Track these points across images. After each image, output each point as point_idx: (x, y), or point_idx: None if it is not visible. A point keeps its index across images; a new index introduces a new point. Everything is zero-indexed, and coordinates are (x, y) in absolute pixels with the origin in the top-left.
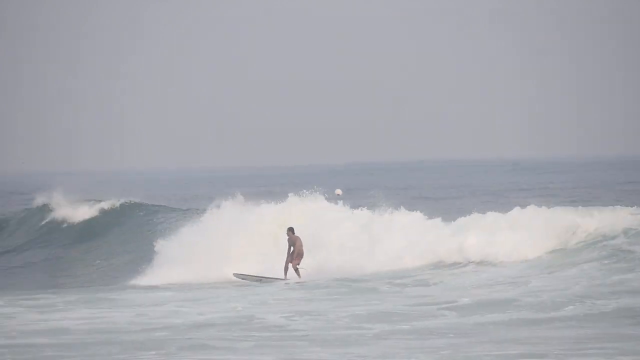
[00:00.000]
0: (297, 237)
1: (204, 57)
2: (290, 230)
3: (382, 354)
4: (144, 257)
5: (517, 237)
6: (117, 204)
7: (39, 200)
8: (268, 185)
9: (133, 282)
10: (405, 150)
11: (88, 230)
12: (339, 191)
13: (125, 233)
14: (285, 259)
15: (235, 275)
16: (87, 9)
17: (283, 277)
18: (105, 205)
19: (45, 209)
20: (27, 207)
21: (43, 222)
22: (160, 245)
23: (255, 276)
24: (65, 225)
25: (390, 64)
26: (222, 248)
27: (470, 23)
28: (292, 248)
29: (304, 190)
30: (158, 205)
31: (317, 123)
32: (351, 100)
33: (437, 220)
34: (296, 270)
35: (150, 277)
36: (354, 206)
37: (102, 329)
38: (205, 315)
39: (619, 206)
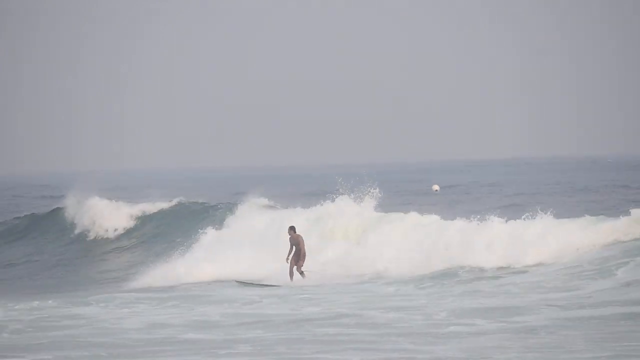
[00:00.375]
0: (299, 236)
1: (204, 57)
2: (292, 229)
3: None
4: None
5: None
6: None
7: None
8: (309, 186)
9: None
10: (405, 150)
11: (159, 230)
12: (436, 187)
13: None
14: (288, 261)
15: (238, 282)
16: (87, 9)
17: (289, 280)
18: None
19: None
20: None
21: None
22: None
23: (258, 283)
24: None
25: (390, 64)
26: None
27: (470, 23)
28: (294, 248)
29: (373, 190)
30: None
31: (317, 123)
32: (351, 100)
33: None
34: (301, 273)
35: (245, 274)
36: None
37: (195, 322)
38: (300, 311)
39: None
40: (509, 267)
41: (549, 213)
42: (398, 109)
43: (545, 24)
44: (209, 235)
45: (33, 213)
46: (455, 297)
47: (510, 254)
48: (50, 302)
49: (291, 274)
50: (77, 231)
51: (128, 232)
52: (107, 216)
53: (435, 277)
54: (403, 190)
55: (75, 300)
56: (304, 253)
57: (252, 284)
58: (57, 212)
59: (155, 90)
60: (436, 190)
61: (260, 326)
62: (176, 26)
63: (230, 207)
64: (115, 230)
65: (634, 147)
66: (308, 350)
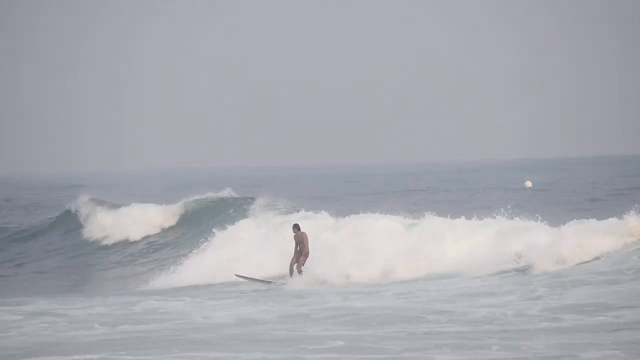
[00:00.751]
0: (304, 234)
1: (204, 57)
2: (296, 227)
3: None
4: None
5: None
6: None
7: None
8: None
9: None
10: (405, 150)
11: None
12: (529, 183)
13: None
14: (290, 258)
15: (237, 275)
16: (87, 9)
17: (289, 277)
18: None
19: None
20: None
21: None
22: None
23: (257, 279)
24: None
25: (390, 64)
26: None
27: (470, 23)
28: (299, 246)
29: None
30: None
31: (317, 123)
32: (351, 100)
33: None
34: (300, 271)
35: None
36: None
37: (286, 317)
38: (389, 304)
39: None
40: (600, 259)
41: None
42: (398, 109)
43: (545, 24)
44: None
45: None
46: (544, 293)
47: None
48: (134, 297)
49: (291, 271)
50: (134, 233)
51: (175, 230)
52: (153, 217)
53: (522, 271)
54: (497, 188)
55: (161, 297)
56: (307, 251)
57: (252, 279)
58: (95, 214)
59: (155, 90)
60: (529, 187)
61: (349, 321)
62: (176, 26)
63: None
64: (164, 229)
65: (634, 147)
66: (399, 346)
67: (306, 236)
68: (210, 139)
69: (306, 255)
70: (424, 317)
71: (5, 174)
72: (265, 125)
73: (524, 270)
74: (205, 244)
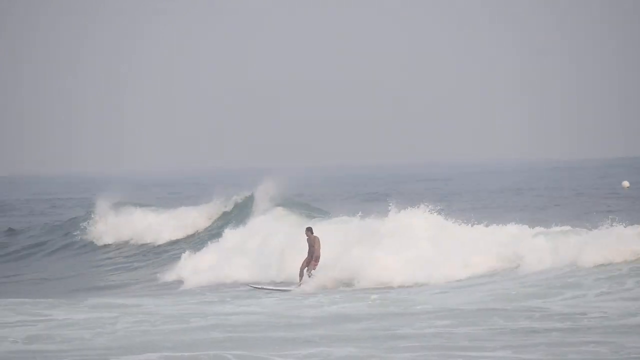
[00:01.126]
0: (316, 237)
1: (204, 57)
2: (309, 230)
3: None
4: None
5: None
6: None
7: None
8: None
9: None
10: (405, 150)
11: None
12: (626, 183)
13: None
14: (302, 262)
15: (251, 286)
16: (87, 9)
17: (298, 282)
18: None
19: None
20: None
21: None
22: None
23: (272, 288)
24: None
25: (390, 64)
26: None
27: (470, 23)
28: (310, 249)
29: None
30: None
31: (317, 123)
32: (351, 100)
33: None
34: (309, 275)
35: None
36: None
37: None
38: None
39: None
40: None
41: None
42: (398, 109)
43: (545, 24)
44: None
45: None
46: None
47: None
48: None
49: (301, 274)
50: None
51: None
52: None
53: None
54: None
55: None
56: (318, 255)
57: (265, 288)
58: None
59: (155, 90)
60: (627, 187)
61: (442, 316)
62: (176, 26)
63: None
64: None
65: (634, 148)
66: (494, 344)
67: (318, 240)
68: (210, 139)
69: (317, 260)
70: (524, 314)
71: (5, 174)
72: (265, 125)
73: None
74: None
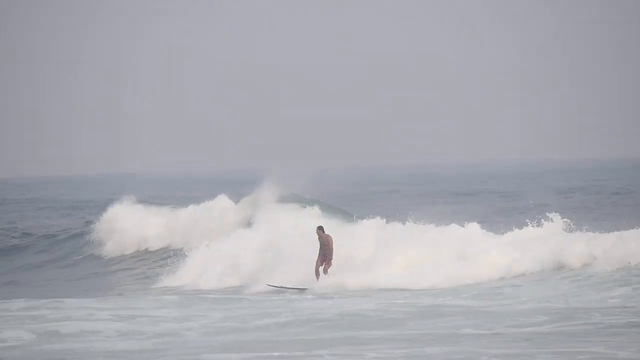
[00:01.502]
0: (328, 236)
1: (205, 57)
2: (320, 228)
3: None
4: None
5: None
6: None
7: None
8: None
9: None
10: (405, 150)
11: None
12: None
13: None
14: (315, 261)
15: (269, 285)
16: (87, 9)
17: (315, 281)
18: None
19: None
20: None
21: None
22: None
23: (289, 287)
24: None
25: (390, 64)
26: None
27: (470, 23)
28: (323, 248)
29: None
30: None
31: (317, 123)
32: (351, 100)
33: None
34: (326, 273)
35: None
36: None
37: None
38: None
39: None
40: None
41: None
42: (398, 109)
43: (545, 24)
44: None
45: None
46: None
47: None
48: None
49: (317, 273)
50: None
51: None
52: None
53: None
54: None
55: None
56: (332, 253)
57: (284, 287)
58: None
59: (155, 90)
60: None
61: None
62: (176, 26)
63: None
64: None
65: (634, 148)
66: (520, 347)
67: (331, 238)
68: (210, 139)
69: (331, 257)
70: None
71: (5, 175)
72: (265, 125)
73: None
74: None
